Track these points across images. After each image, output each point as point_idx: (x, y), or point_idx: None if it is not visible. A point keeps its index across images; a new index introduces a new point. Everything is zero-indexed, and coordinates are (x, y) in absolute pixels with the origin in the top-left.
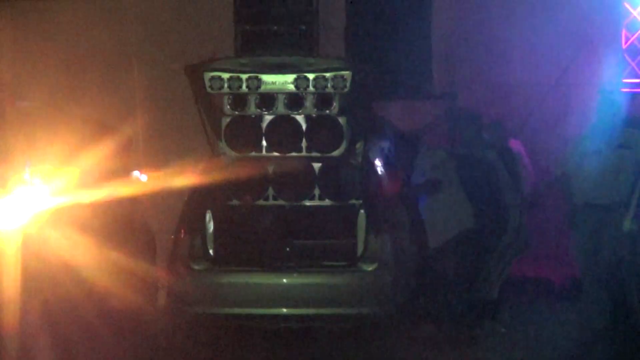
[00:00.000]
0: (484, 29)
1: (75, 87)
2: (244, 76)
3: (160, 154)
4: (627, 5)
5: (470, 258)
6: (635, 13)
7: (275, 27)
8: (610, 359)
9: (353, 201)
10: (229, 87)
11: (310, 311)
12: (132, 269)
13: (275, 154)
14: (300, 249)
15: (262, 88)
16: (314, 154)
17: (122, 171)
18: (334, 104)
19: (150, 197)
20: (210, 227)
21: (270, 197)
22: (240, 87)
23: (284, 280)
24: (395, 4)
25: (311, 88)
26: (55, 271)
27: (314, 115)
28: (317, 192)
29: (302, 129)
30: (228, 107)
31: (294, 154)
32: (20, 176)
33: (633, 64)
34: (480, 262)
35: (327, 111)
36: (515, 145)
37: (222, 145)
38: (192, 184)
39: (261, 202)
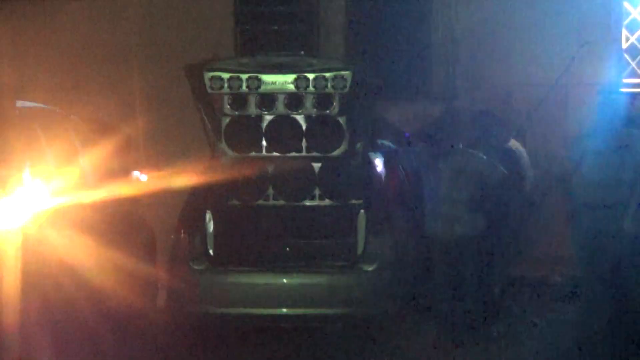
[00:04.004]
0: (484, 29)
1: (75, 87)
2: (244, 76)
3: (160, 154)
4: (627, 5)
5: (474, 259)
6: (635, 13)
7: (275, 27)
8: (610, 359)
9: (353, 201)
10: (229, 87)
11: (310, 311)
12: (132, 269)
13: (275, 154)
14: (301, 249)
15: (262, 88)
16: (314, 154)
17: (122, 171)
18: (334, 104)
19: (150, 197)
20: (210, 227)
21: (270, 197)
22: (240, 87)
23: (284, 280)
24: (395, 4)
25: (311, 88)
26: (55, 271)
27: (314, 115)
28: (317, 192)
29: (302, 129)
30: (228, 107)
31: (294, 154)
32: (20, 176)
33: (633, 64)
34: (482, 262)
35: (327, 111)
36: (515, 145)
37: (222, 145)
38: (192, 184)
39: (261, 202)
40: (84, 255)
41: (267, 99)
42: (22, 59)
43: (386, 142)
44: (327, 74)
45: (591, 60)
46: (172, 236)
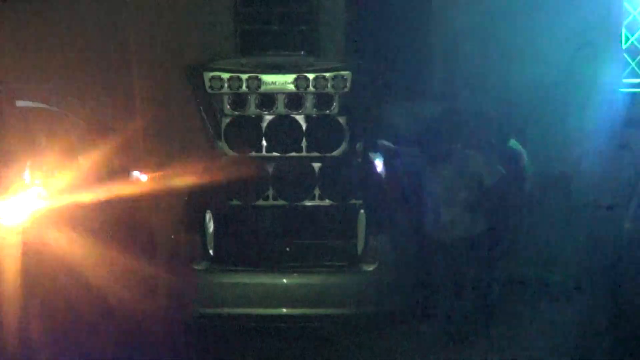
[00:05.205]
0: (484, 28)
1: (75, 87)
2: (244, 76)
3: (160, 154)
4: (627, 5)
5: (474, 259)
6: (635, 13)
7: (275, 27)
8: (610, 359)
9: (353, 201)
10: (229, 87)
11: (310, 311)
12: (132, 269)
13: (275, 154)
14: (301, 249)
15: (262, 88)
16: (314, 154)
17: (122, 171)
18: (334, 104)
19: (150, 197)
20: (210, 227)
21: (270, 197)
22: (240, 87)
23: (284, 280)
24: (395, 3)
25: (311, 88)
26: (55, 271)
27: (314, 115)
28: (317, 192)
29: (302, 129)
30: (228, 107)
31: (294, 154)
32: (20, 176)
33: (633, 64)
34: (482, 262)
35: (327, 111)
36: (515, 145)
37: (222, 145)
38: (192, 184)
39: (261, 202)
40: (84, 255)
41: (267, 99)
42: (22, 59)
43: (386, 142)
44: (327, 74)
45: (591, 60)
46: (172, 236)
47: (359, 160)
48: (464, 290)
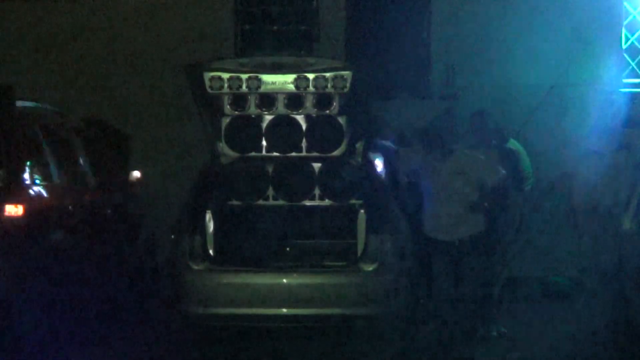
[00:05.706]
0: (483, 29)
1: (75, 87)
2: (244, 76)
3: (160, 154)
4: (627, 5)
5: (474, 259)
6: (635, 13)
7: (275, 27)
8: (610, 358)
9: (353, 201)
10: (229, 87)
11: (310, 311)
12: (132, 269)
13: (275, 154)
14: (300, 249)
15: (262, 88)
16: (314, 154)
17: (122, 171)
18: (334, 104)
19: (150, 197)
20: (210, 227)
21: (270, 197)
22: (240, 87)
23: (284, 280)
24: (395, 4)
25: (311, 88)
26: (54, 270)
27: (314, 115)
28: (317, 192)
29: (302, 129)
30: (228, 107)
31: (294, 154)
32: (20, 176)
33: (633, 64)
34: (482, 262)
35: (327, 111)
36: (515, 145)
37: (222, 145)
38: (192, 184)
39: (261, 202)
40: (83, 255)
41: (267, 99)
42: (22, 59)
43: (386, 142)
44: (327, 74)
45: (591, 60)
46: (172, 236)
47: (359, 160)
48: (464, 290)
